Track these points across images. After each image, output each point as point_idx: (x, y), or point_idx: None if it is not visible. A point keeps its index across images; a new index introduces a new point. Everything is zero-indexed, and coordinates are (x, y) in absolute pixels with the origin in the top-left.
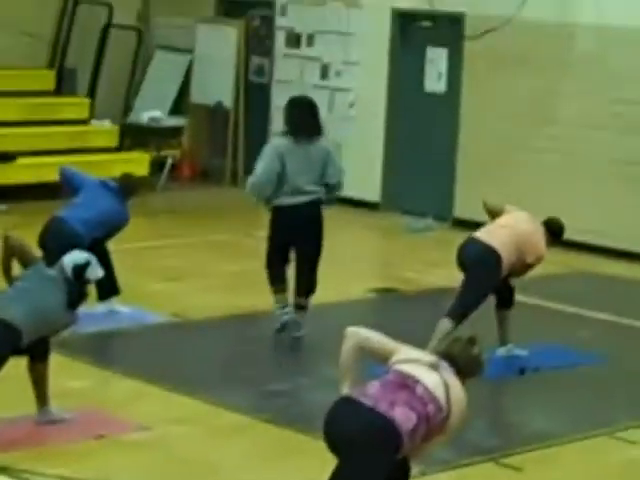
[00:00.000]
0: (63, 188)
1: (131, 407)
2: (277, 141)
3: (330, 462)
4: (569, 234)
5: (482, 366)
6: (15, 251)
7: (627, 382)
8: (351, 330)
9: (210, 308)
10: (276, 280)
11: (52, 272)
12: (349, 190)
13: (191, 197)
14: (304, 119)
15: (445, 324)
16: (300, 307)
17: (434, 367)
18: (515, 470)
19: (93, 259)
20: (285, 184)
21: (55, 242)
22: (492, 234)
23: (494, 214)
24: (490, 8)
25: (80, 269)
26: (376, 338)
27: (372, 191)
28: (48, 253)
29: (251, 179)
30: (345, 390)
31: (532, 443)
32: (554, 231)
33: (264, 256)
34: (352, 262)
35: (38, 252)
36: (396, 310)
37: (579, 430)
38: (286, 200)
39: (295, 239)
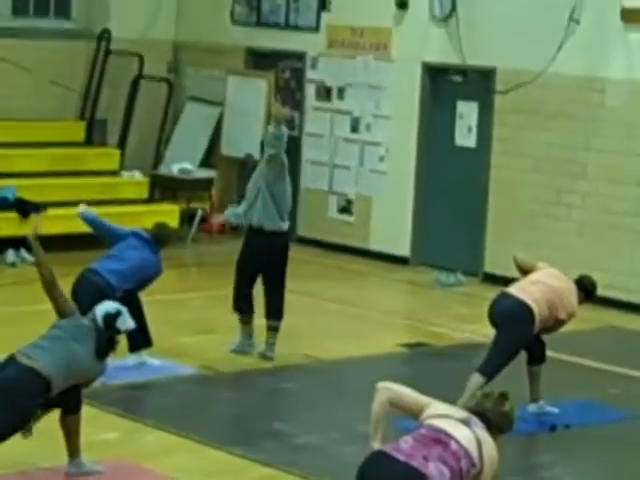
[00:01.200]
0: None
1: (161, 460)
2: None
3: None
4: (601, 290)
5: (513, 422)
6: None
7: None
8: (382, 385)
9: (239, 361)
10: None
11: (84, 321)
12: (379, 244)
13: (221, 250)
14: None
15: (476, 379)
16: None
17: (466, 422)
18: None
19: (124, 310)
20: None
21: (87, 293)
22: (524, 290)
23: (525, 270)
24: (521, 63)
25: (111, 319)
26: (407, 393)
27: (402, 245)
28: (80, 304)
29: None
30: (376, 444)
31: None
32: (586, 288)
33: (290, 309)
34: (382, 316)
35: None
36: (426, 365)
37: None
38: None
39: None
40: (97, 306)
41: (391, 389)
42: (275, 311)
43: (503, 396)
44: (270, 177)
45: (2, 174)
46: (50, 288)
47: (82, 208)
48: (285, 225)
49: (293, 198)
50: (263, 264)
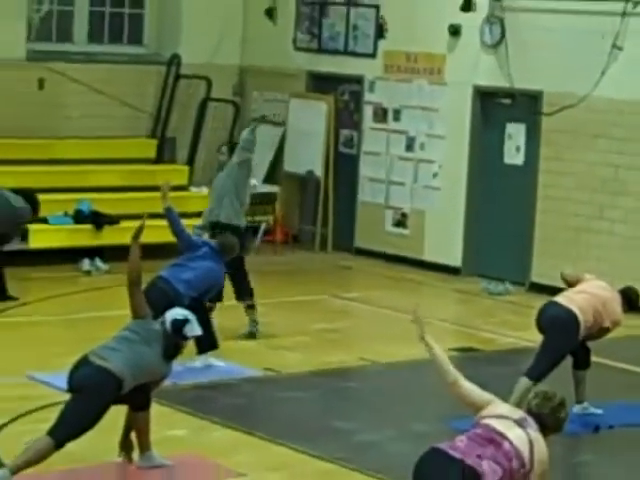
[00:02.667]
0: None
1: (228, 455)
2: None
3: None
4: None
5: (563, 424)
6: (136, 299)
7: None
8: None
9: (300, 363)
10: None
11: (154, 326)
12: (432, 255)
13: (282, 260)
14: None
15: (523, 383)
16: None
17: (521, 424)
18: None
19: (193, 318)
20: None
21: (157, 299)
22: (571, 299)
23: (571, 284)
24: (567, 86)
25: (179, 325)
26: (474, 388)
27: (454, 256)
28: (151, 309)
29: None
30: (460, 378)
31: None
32: (630, 298)
33: (349, 316)
34: (435, 322)
35: None
36: (475, 368)
37: None
38: None
39: None
40: (168, 312)
41: (461, 380)
42: (247, 291)
43: (562, 403)
44: (239, 178)
45: (78, 189)
46: (133, 288)
47: (168, 204)
48: (243, 222)
49: (351, 213)
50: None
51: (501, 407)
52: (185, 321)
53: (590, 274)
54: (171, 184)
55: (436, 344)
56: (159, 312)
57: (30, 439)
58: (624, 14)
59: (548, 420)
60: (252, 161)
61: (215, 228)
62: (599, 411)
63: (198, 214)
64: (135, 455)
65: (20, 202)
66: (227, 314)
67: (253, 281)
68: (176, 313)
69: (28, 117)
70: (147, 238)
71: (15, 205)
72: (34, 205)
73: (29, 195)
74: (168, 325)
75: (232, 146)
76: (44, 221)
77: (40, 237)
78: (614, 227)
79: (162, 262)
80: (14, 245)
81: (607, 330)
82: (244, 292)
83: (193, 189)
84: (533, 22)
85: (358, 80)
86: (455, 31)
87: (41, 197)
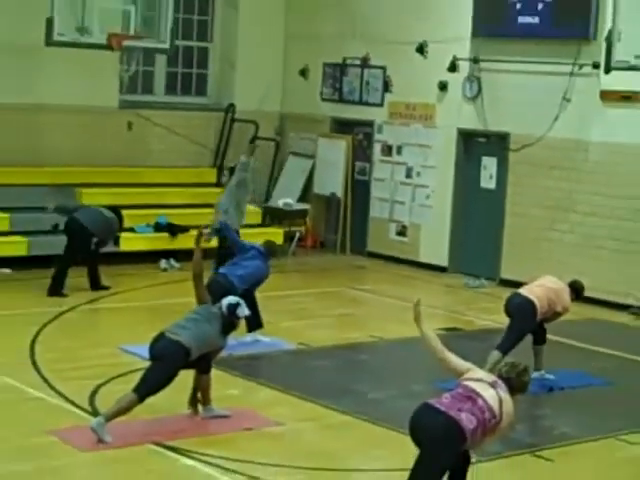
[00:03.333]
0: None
1: (270, 409)
2: None
3: (409, 448)
4: (587, 292)
5: (526, 388)
6: (200, 289)
7: (628, 399)
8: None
9: (325, 339)
10: None
11: (214, 309)
12: (425, 257)
13: (312, 261)
14: None
15: (495, 355)
16: None
17: (493, 385)
18: (546, 460)
19: (242, 302)
20: None
21: (216, 290)
22: (531, 290)
23: (531, 280)
24: (528, 129)
25: (233, 308)
26: (456, 358)
27: (442, 258)
28: (211, 296)
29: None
30: (447, 353)
31: (559, 441)
32: (576, 290)
33: (362, 303)
34: (427, 309)
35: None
36: (458, 343)
37: (593, 433)
38: None
39: None
40: (224, 298)
41: (446, 353)
42: None
43: (526, 370)
44: (240, 196)
45: (157, 206)
46: (197, 281)
47: (224, 217)
48: (238, 227)
49: (364, 225)
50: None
51: (478, 373)
52: (237, 305)
53: (548, 274)
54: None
55: (428, 327)
56: (217, 299)
57: (120, 395)
58: (571, 74)
59: (515, 383)
60: (248, 180)
61: (219, 232)
62: (552, 377)
63: (248, 225)
64: (200, 408)
65: (110, 214)
66: (270, 301)
67: (291, 277)
68: (231, 299)
69: (120, 151)
70: (207, 244)
71: (107, 217)
72: (119, 217)
73: (115, 210)
74: (224, 308)
75: (232, 169)
76: (131, 230)
77: (128, 242)
78: (563, 236)
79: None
80: (109, 248)
81: (559, 314)
82: None
83: None
84: (503, 80)
85: (369, 124)
86: (443, 86)
87: (129, 212)
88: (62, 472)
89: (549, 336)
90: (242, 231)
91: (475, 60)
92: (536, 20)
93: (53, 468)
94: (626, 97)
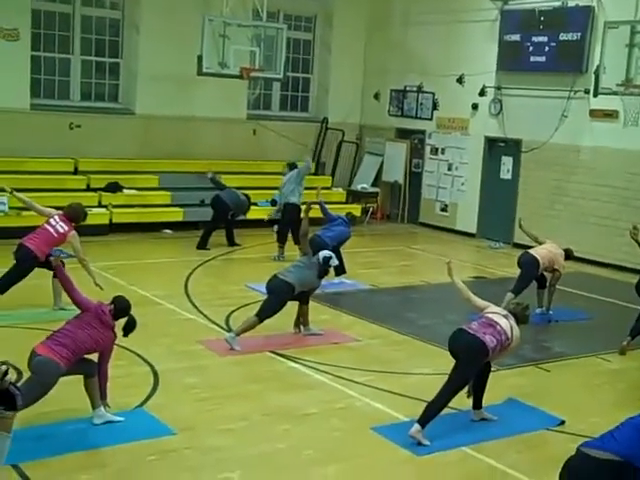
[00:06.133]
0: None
1: (350, 329)
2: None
3: (447, 359)
4: (576, 253)
5: (527, 320)
6: (304, 245)
7: (605, 330)
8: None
9: (389, 282)
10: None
11: (313, 259)
12: (460, 226)
13: (381, 228)
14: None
15: (509, 295)
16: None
17: (507, 317)
18: (545, 371)
19: (333, 255)
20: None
21: (315, 246)
22: (536, 251)
23: (529, 235)
24: (535, 135)
25: (327, 259)
26: (478, 298)
27: (471, 226)
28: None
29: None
30: (471, 295)
31: (554, 358)
32: (568, 253)
33: (415, 258)
34: (459, 263)
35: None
36: (484, 287)
37: (580, 352)
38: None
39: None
40: (320, 252)
41: (472, 295)
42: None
43: (527, 307)
44: (299, 180)
45: (273, 188)
46: (304, 237)
47: (320, 199)
48: (299, 201)
49: (418, 203)
50: (291, 221)
51: (494, 308)
52: (330, 257)
53: (548, 240)
54: (320, 188)
55: (458, 278)
56: (315, 252)
57: (246, 317)
58: (568, 98)
59: (520, 315)
60: (305, 173)
61: (286, 205)
62: (551, 312)
63: (337, 202)
64: (301, 328)
65: (243, 197)
66: (351, 255)
67: (366, 239)
68: (326, 253)
69: (247, 149)
70: (311, 214)
71: (241, 198)
72: (249, 199)
73: (247, 195)
74: (320, 259)
75: (290, 165)
76: (255, 204)
77: (253, 213)
78: (560, 214)
79: (316, 227)
80: (240, 218)
81: (556, 270)
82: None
83: (334, 189)
84: (518, 102)
85: (422, 132)
86: (475, 106)
87: (254, 192)
88: (206, 369)
89: (548, 283)
90: (331, 206)
91: (498, 87)
92: (543, 59)
93: (200, 366)
94: (608, 114)
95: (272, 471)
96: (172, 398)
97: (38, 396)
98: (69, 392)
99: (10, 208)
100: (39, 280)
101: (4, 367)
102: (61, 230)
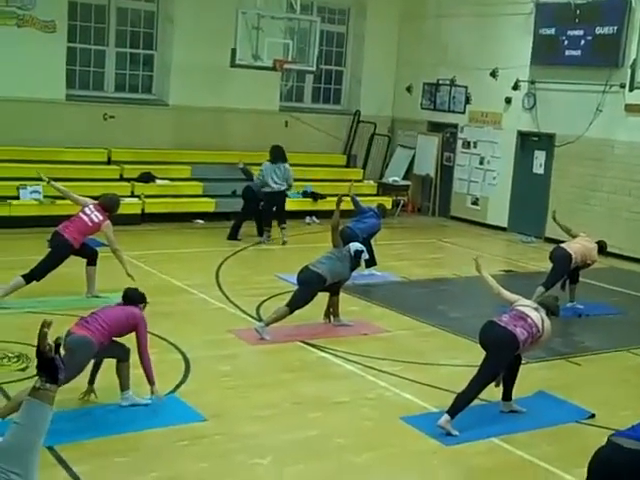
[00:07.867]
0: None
1: (380, 321)
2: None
3: (477, 351)
4: (609, 248)
5: (559, 312)
6: (335, 237)
7: (636, 323)
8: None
9: (420, 274)
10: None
11: (344, 251)
12: (492, 220)
13: (412, 221)
14: (278, 154)
15: (540, 289)
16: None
17: (537, 310)
18: (575, 365)
19: (364, 248)
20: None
21: (345, 238)
22: (569, 246)
23: (562, 226)
24: (569, 130)
25: (358, 252)
26: (509, 292)
27: (503, 220)
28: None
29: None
30: (501, 289)
31: (586, 351)
32: (602, 247)
33: (446, 251)
34: (490, 256)
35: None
36: (515, 281)
37: (611, 347)
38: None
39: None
40: (351, 244)
41: (501, 289)
42: (281, 220)
43: (556, 299)
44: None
45: (305, 179)
46: (333, 231)
47: (352, 192)
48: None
49: (449, 196)
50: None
51: (525, 301)
52: (361, 251)
53: (583, 232)
54: (354, 181)
55: (487, 273)
56: (346, 244)
57: (276, 307)
58: (603, 92)
59: (551, 307)
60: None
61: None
62: (581, 306)
63: (368, 194)
64: (331, 319)
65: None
66: (382, 248)
67: (396, 231)
68: (358, 245)
69: (279, 140)
70: (344, 207)
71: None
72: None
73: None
74: (352, 251)
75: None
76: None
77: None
78: (593, 209)
79: (347, 219)
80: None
81: (589, 265)
82: (284, 220)
83: (365, 181)
84: (551, 96)
85: (455, 126)
86: (508, 100)
87: None
88: (237, 358)
89: (581, 279)
90: (362, 198)
91: (532, 82)
92: (578, 52)
93: (231, 355)
94: None
95: (303, 457)
96: (203, 385)
97: (72, 375)
98: (100, 376)
99: (45, 197)
100: (72, 268)
101: (61, 340)
102: (95, 219)
